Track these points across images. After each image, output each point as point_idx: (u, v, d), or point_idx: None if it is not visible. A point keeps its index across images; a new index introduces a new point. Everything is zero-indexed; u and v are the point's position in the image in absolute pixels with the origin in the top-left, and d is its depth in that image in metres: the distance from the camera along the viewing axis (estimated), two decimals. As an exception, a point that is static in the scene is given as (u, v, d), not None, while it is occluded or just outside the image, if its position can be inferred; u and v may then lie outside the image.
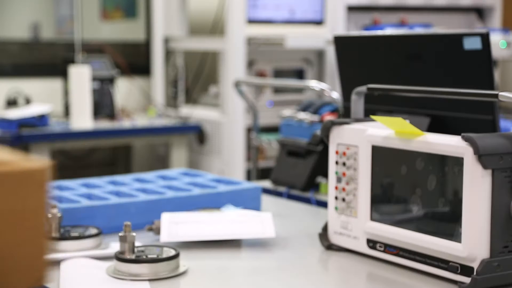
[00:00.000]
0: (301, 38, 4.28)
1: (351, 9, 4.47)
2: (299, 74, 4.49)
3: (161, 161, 4.55)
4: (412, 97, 1.63)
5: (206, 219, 1.66)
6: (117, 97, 4.21)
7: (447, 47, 1.57)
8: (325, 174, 2.16)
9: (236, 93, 3.58)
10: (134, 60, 4.70)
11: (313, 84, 2.90)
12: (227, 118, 4.14)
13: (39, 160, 0.95)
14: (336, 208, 1.56)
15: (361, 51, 1.79)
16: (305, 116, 2.38)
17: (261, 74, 4.35)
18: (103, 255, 1.50)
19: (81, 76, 3.77)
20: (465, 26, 4.79)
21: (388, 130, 1.46)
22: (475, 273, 1.30)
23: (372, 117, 1.51)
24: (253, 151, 3.21)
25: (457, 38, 1.51)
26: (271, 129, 3.87)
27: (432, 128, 1.59)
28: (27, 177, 0.93)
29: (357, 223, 1.51)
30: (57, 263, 1.43)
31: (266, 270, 1.46)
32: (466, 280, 1.31)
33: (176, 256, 1.44)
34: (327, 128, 1.57)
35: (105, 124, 3.98)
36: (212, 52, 4.61)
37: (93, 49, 4.46)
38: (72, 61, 4.08)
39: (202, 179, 1.96)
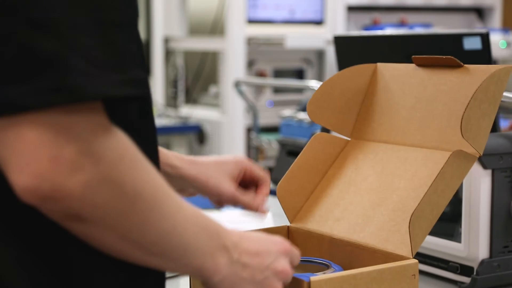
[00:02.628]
0: (301, 38, 4.28)
1: (351, 9, 4.47)
2: (299, 74, 4.49)
3: (161, 161, 4.54)
4: (412, 97, 1.63)
5: (206, 219, 1.66)
6: (117, 97, 4.20)
7: (447, 47, 1.57)
8: (325, 174, 2.16)
9: (236, 93, 3.58)
10: (134, 60, 4.69)
11: (313, 84, 2.90)
12: (227, 118, 4.14)
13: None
14: (336, 208, 1.55)
15: (361, 51, 1.78)
16: (305, 116, 2.38)
17: (261, 74, 4.35)
18: (103, 255, 1.49)
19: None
20: (465, 26, 4.78)
21: (388, 130, 1.46)
22: (475, 273, 1.30)
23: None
24: (253, 151, 3.21)
25: (457, 38, 1.50)
26: (271, 129, 3.86)
27: (432, 128, 1.59)
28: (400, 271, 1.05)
29: (357, 223, 1.51)
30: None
31: (266, 270, 1.46)
32: (466, 280, 1.31)
33: (176, 256, 1.44)
34: (326, 128, 1.57)
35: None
36: (212, 52, 4.61)
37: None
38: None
39: (202, 179, 1.96)
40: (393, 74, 1.33)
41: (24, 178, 0.74)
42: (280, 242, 0.95)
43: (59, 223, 0.79)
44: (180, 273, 0.93)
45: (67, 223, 0.78)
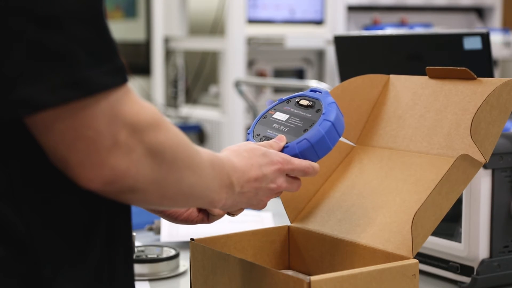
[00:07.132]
0: (301, 38, 4.28)
1: (351, 9, 4.47)
2: (299, 74, 4.49)
3: (161, 161, 4.54)
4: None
5: (206, 219, 1.66)
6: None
7: (447, 47, 1.57)
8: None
9: (236, 93, 3.59)
10: (134, 60, 4.70)
11: (313, 84, 2.90)
12: (227, 118, 4.14)
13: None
14: (336, 208, 1.55)
15: (361, 51, 1.78)
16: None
17: (261, 74, 4.35)
18: (103, 255, 1.49)
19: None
20: (465, 26, 4.78)
21: (388, 130, 1.45)
22: (475, 273, 1.30)
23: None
24: (253, 151, 3.20)
25: (457, 38, 1.50)
26: (271, 129, 3.85)
27: (432, 128, 1.59)
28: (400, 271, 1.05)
29: (357, 223, 1.51)
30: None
31: (266, 270, 1.46)
32: (466, 280, 1.31)
33: (176, 256, 1.44)
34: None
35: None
36: (212, 52, 4.61)
37: (93, 49, 4.45)
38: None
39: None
40: (405, 85, 1.33)
41: (87, 171, 0.78)
42: (276, 161, 1.03)
43: (108, 197, 0.83)
44: (187, 207, 1.05)
45: (119, 196, 0.83)
